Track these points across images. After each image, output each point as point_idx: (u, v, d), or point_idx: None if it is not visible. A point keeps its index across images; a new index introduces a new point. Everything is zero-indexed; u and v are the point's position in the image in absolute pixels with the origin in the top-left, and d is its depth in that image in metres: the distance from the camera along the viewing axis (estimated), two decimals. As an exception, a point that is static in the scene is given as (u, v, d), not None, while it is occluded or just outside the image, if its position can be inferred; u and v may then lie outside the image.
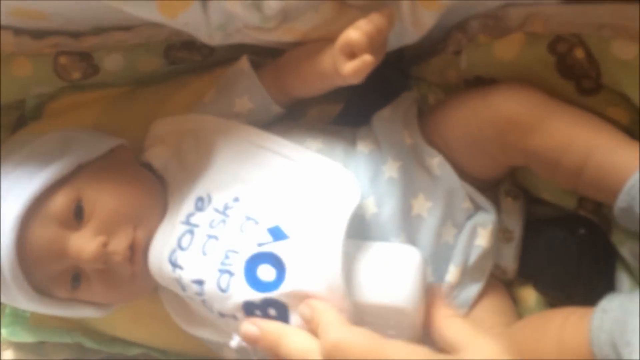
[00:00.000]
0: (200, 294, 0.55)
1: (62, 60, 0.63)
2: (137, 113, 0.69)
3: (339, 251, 0.50)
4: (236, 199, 0.57)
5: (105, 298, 0.62)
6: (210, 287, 0.54)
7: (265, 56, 0.68)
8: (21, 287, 0.57)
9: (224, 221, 0.56)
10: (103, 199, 0.59)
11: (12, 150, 0.61)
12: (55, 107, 0.69)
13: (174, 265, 0.56)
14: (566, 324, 0.49)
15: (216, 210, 0.57)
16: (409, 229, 0.57)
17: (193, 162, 0.61)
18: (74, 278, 0.59)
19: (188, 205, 0.59)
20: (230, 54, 0.67)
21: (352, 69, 0.51)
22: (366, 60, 0.50)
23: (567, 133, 0.51)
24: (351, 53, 0.52)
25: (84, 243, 0.57)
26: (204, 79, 0.69)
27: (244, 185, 0.58)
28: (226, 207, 0.57)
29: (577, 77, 0.51)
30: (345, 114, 0.70)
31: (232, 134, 0.60)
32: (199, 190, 0.59)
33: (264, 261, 0.53)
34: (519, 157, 0.54)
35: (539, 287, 0.59)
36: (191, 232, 0.57)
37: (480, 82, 0.58)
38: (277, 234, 0.54)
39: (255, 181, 0.57)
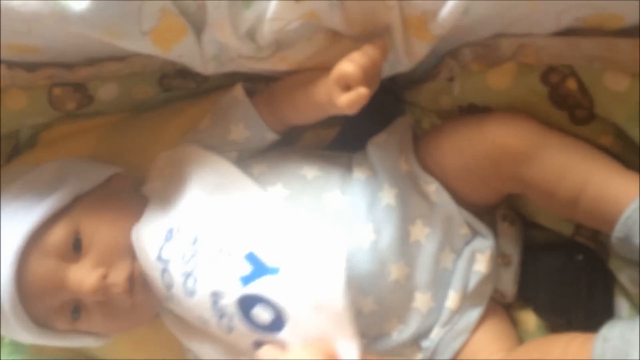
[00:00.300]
0: (209, 325, 0.56)
1: (57, 91, 0.63)
2: (133, 140, 0.69)
3: (342, 287, 0.50)
4: (206, 231, 0.57)
5: (105, 328, 0.62)
6: (215, 327, 0.55)
7: (259, 81, 0.68)
8: (21, 320, 0.57)
9: (194, 255, 0.56)
10: (101, 230, 0.59)
11: (8, 182, 0.61)
12: (50, 136, 0.69)
13: (174, 303, 0.58)
14: (568, 352, 0.49)
15: (187, 242, 0.57)
16: (407, 256, 0.58)
17: (170, 193, 0.61)
18: (73, 310, 0.59)
19: (159, 238, 0.59)
20: (225, 80, 0.67)
21: (347, 101, 0.52)
22: (361, 93, 0.51)
23: (562, 163, 0.51)
24: (346, 85, 0.53)
25: (84, 276, 0.57)
26: (199, 105, 0.69)
27: (213, 217, 0.58)
28: (195, 240, 0.57)
29: (570, 107, 0.51)
30: (341, 138, 0.71)
31: (206, 166, 0.60)
32: (170, 221, 0.59)
33: (255, 303, 0.54)
34: (515, 185, 0.55)
35: (539, 312, 0.60)
36: (166, 270, 0.58)
37: (474, 109, 0.58)
38: (256, 263, 0.54)
39: (224, 212, 0.58)
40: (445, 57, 0.60)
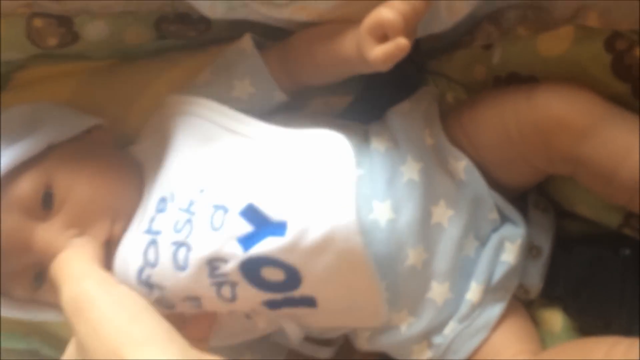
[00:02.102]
0: (199, 307, 0.48)
1: (37, 22, 0.55)
2: (119, 91, 0.61)
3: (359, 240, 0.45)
4: (201, 190, 0.49)
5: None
6: (210, 302, 0.47)
7: (268, 38, 0.61)
8: None
9: (189, 221, 0.48)
10: (77, 186, 0.51)
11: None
12: (25, 78, 0.61)
13: (150, 286, 0.49)
14: (611, 357, 0.43)
15: (180, 209, 0.49)
16: (427, 239, 0.51)
17: (161, 155, 0.53)
18: (36, 276, 0.52)
19: (150, 209, 0.51)
20: (229, 32, 0.60)
21: (383, 53, 0.45)
22: (401, 44, 0.44)
23: (626, 140, 0.45)
24: (382, 35, 0.46)
25: (52, 237, 0.50)
26: (198, 58, 0.62)
27: (208, 174, 0.50)
28: (191, 203, 0.49)
29: (634, 79, 0.45)
30: (353, 109, 0.64)
31: (194, 116, 0.54)
32: (163, 189, 0.52)
33: (263, 264, 0.47)
34: (565, 165, 0.49)
35: (571, 311, 0.54)
36: (154, 242, 0.49)
37: (514, 80, 0.52)
38: (257, 218, 0.47)
39: (220, 166, 0.50)
40: (483, 21, 0.54)
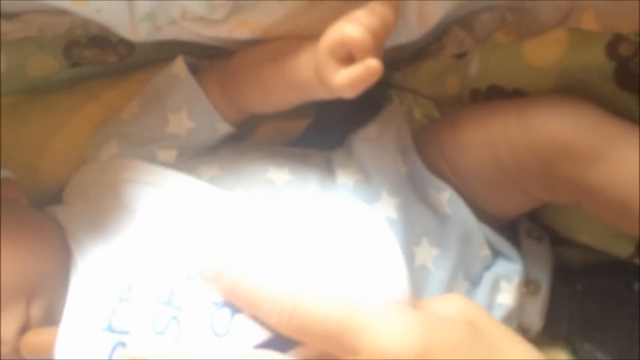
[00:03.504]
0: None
1: None
2: (28, 133, 0.51)
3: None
4: (189, 278, 0.40)
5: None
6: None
7: (202, 58, 0.52)
8: None
9: (175, 319, 0.38)
10: None
11: None
12: None
13: None
14: None
15: (158, 301, 0.39)
16: (412, 285, 0.44)
17: (104, 224, 0.43)
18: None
19: (104, 297, 0.40)
20: (157, 54, 0.52)
21: (350, 78, 0.37)
22: (371, 67, 0.36)
23: None
24: (346, 56, 0.38)
25: None
26: (121, 86, 0.53)
27: (192, 256, 0.40)
28: (172, 293, 0.39)
29: (643, 90, 0.39)
30: (307, 132, 0.56)
31: (148, 185, 0.45)
32: (121, 271, 0.41)
33: None
34: (569, 194, 0.42)
35: (578, 349, 0.47)
36: (122, 344, 0.38)
37: (496, 94, 0.45)
38: None
39: (212, 249, 0.40)
40: (453, 27, 0.47)
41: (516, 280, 0.46)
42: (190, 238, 0.41)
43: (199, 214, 0.42)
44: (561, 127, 0.40)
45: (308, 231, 0.41)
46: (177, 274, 0.40)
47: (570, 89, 0.41)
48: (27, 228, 0.45)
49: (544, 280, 0.48)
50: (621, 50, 0.38)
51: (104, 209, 0.45)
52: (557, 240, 0.49)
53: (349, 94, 0.38)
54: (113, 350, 0.38)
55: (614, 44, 0.38)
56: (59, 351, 0.39)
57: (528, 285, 0.48)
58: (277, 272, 0.38)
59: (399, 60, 0.53)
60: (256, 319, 0.37)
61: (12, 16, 0.45)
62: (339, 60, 0.38)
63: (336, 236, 0.41)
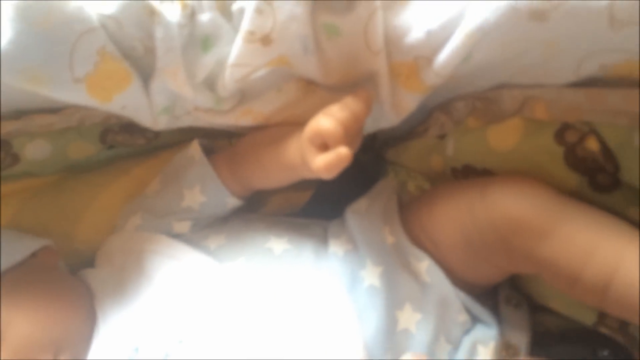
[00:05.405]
0: None
1: (-27, 150, 0.53)
2: (65, 206, 0.58)
3: None
4: (180, 341, 0.46)
5: None
6: None
7: (219, 137, 0.59)
8: None
9: None
10: (17, 320, 0.48)
11: None
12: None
13: None
14: None
15: None
16: (395, 348, 0.48)
17: (122, 290, 0.50)
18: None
19: (118, 354, 0.47)
20: (180, 136, 0.58)
21: (324, 163, 0.43)
22: (341, 154, 0.42)
23: (589, 240, 0.42)
24: (322, 144, 0.44)
25: None
26: (148, 164, 0.60)
27: (188, 323, 0.46)
28: (166, 355, 0.45)
29: (590, 172, 0.43)
30: (314, 203, 0.61)
31: (165, 257, 0.51)
32: (132, 333, 0.48)
33: None
34: (527, 265, 0.46)
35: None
36: None
37: (470, 172, 0.50)
38: None
39: (201, 316, 0.47)
40: (435, 112, 0.52)
41: (492, 344, 0.49)
42: (183, 305, 0.47)
43: (197, 285, 0.48)
44: (515, 205, 0.44)
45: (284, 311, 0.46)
46: (171, 338, 0.46)
47: (527, 170, 0.45)
48: (61, 290, 0.51)
49: (522, 344, 0.50)
50: (568, 137, 0.43)
51: (127, 275, 0.51)
52: (539, 307, 0.52)
53: (326, 176, 0.44)
54: None
55: (562, 131, 0.43)
56: None
57: (508, 349, 0.51)
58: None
59: (393, 139, 0.59)
60: None
61: (56, 110, 0.53)
62: (318, 147, 0.44)
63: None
